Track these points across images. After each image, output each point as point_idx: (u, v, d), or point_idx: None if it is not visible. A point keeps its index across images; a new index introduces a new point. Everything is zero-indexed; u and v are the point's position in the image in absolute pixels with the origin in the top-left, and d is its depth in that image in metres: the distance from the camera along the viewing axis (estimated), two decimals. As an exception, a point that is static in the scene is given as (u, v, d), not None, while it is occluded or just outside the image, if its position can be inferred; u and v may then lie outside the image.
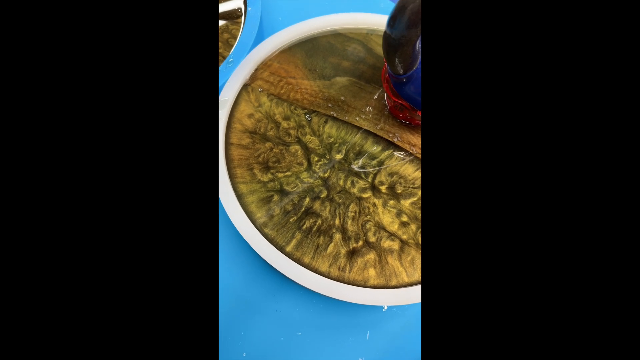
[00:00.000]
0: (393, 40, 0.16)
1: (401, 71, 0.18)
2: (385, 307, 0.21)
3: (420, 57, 0.18)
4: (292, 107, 0.24)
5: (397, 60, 0.17)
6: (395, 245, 0.20)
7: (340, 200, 0.21)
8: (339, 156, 0.22)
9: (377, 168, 0.22)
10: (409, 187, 0.21)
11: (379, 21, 0.27)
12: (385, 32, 0.16)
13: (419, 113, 0.20)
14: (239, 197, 0.21)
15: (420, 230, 0.20)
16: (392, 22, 0.15)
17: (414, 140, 0.23)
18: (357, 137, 0.23)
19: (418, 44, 0.17)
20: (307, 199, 0.21)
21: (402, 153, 0.22)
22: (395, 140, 0.23)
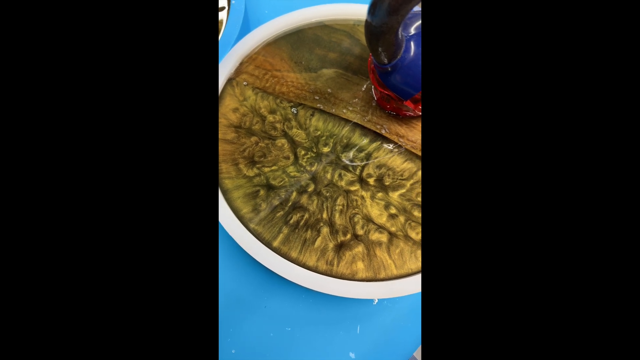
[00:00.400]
0: (374, 28, 0.16)
1: (385, 60, 0.18)
2: (376, 301, 0.21)
3: (404, 45, 0.18)
4: (278, 101, 0.23)
5: (380, 49, 0.17)
6: (384, 237, 0.20)
7: (327, 194, 0.21)
8: (326, 149, 0.22)
9: (365, 162, 0.22)
10: (397, 178, 0.21)
11: (365, 12, 0.26)
12: (366, 20, 0.16)
13: (406, 103, 0.20)
14: (225, 192, 0.20)
15: (409, 222, 0.20)
16: (372, 9, 0.15)
17: (402, 132, 0.23)
18: (344, 130, 0.22)
19: (401, 32, 0.17)
20: (294, 193, 0.21)
21: (390, 145, 0.22)
22: (383, 131, 0.22)
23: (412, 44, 0.18)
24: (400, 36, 0.17)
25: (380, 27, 0.15)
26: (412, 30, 0.18)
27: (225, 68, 0.23)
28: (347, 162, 0.21)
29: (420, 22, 0.19)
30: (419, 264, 0.19)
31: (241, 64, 0.24)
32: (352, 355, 0.20)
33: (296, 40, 0.25)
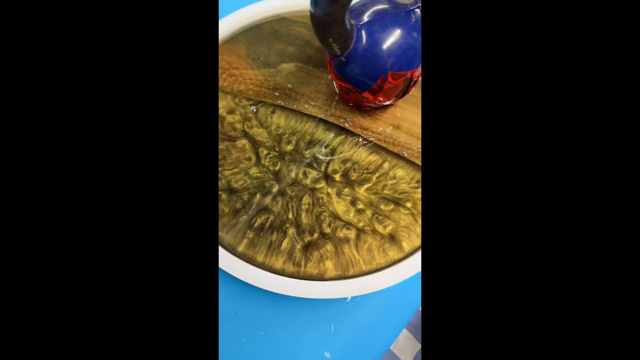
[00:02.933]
0: (318, 19, 0.15)
1: (338, 52, 0.17)
2: (349, 298, 0.21)
3: (355, 35, 0.17)
4: (237, 99, 0.22)
5: (330, 40, 0.16)
6: (352, 234, 0.19)
7: (292, 194, 0.20)
8: (289, 147, 0.21)
9: (330, 157, 0.21)
10: (363, 172, 0.21)
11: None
12: (310, 12, 0.15)
13: (365, 95, 0.20)
14: (184, 200, 0.20)
15: (376, 216, 0.20)
16: (314, 0, 0.14)
17: (366, 124, 0.22)
18: (307, 126, 0.22)
19: (349, 21, 0.16)
20: (258, 195, 0.20)
21: (354, 138, 0.22)
22: (346, 125, 0.22)
23: (363, 32, 0.17)
24: (348, 26, 0.16)
25: (323, 18, 0.15)
26: (365, 18, 0.18)
27: (179, 69, 0.22)
28: (310, 159, 0.21)
29: (373, 8, 0.18)
30: (388, 258, 0.19)
31: (196, 64, 0.23)
32: (327, 354, 0.20)
33: (253, 36, 0.24)
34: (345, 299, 0.21)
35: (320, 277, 0.19)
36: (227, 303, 0.20)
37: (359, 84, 0.19)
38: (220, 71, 0.23)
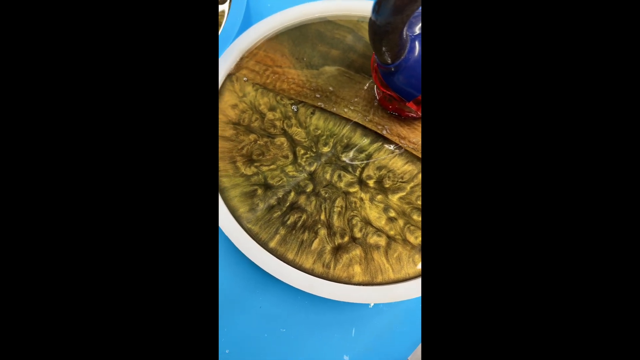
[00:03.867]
0: (378, 27, 0.15)
1: (389, 60, 0.18)
2: (372, 304, 0.21)
3: (408, 45, 0.17)
4: (278, 98, 0.23)
5: (384, 48, 0.17)
6: (382, 241, 0.19)
7: (326, 195, 0.20)
8: (326, 149, 0.22)
9: (365, 161, 0.21)
10: (397, 181, 0.21)
11: (370, 8, 0.26)
12: (370, 19, 0.15)
13: (409, 105, 0.20)
14: (222, 191, 0.20)
15: (408, 225, 0.20)
16: (377, 7, 0.14)
17: (404, 133, 0.22)
18: (345, 129, 0.22)
19: (405, 32, 0.16)
20: (292, 194, 0.20)
21: (391, 146, 0.22)
22: (384, 132, 0.22)
23: (416, 44, 0.18)
24: (404, 36, 0.16)
25: (384, 27, 0.15)
26: (417, 30, 0.18)
27: (225, 63, 0.23)
28: (347, 162, 0.21)
29: None
30: (417, 268, 0.19)
31: (241, 59, 0.24)
32: (346, 358, 0.20)
33: (298, 36, 0.25)
34: (368, 304, 0.21)
35: (348, 281, 0.19)
36: (251, 296, 0.20)
37: (404, 94, 0.19)
38: (264, 68, 0.23)
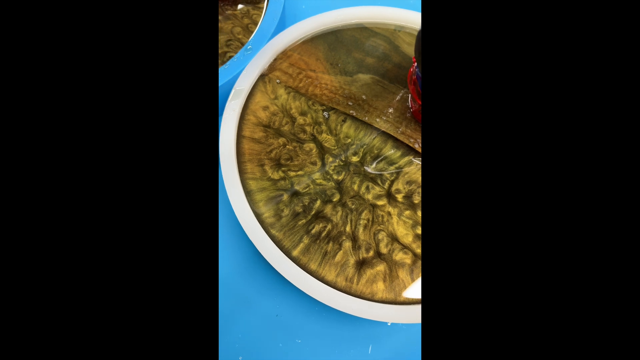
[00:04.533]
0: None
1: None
2: (390, 322, 0.20)
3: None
4: (310, 102, 0.22)
5: (429, 62, 0.16)
6: (408, 259, 0.19)
7: (353, 206, 0.20)
8: (355, 158, 0.21)
9: (394, 174, 0.21)
10: (427, 197, 0.20)
11: (407, 17, 0.25)
12: (420, 30, 0.15)
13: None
14: (248, 194, 0.19)
15: (435, 245, 0.19)
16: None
17: (436, 148, 0.21)
18: (375, 140, 0.22)
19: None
20: (318, 202, 0.20)
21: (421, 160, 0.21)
22: (416, 146, 0.21)
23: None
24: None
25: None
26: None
27: (259, 63, 0.23)
28: (375, 174, 0.21)
29: None
30: (443, 290, 0.18)
31: (275, 60, 0.23)
32: (361, 376, 0.19)
33: (334, 41, 0.24)
34: (386, 322, 0.20)
35: (370, 297, 0.18)
36: (270, 304, 0.20)
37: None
38: (297, 71, 0.23)
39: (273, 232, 0.19)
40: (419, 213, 0.20)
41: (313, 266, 0.18)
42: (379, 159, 0.21)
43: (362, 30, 0.25)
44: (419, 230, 0.19)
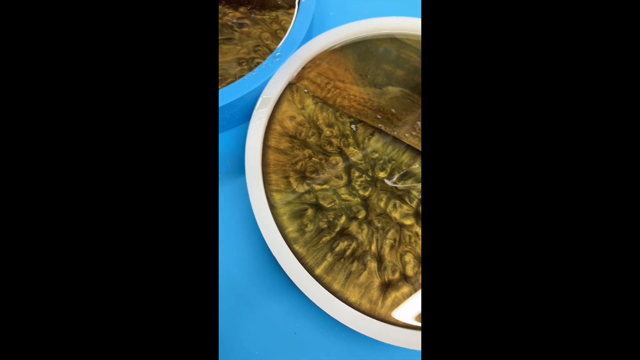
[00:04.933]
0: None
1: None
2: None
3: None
4: (338, 114, 0.22)
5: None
6: (435, 283, 0.18)
7: (379, 224, 0.19)
8: (382, 174, 0.20)
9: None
10: (456, 219, 0.19)
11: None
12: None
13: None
14: (272, 207, 0.19)
15: (464, 270, 0.18)
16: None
17: (467, 168, 0.21)
18: (404, 156, 0.21)
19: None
20: (343, 218, 0.19)
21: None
22: (446, 165, 0.21)
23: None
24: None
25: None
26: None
27: (288, 70, 0.22)
28: (403, 192, 0.20)
29: None
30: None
31: (304, 68, 0.23)
32: (380, 403, 0.18)
33: (364, 51, 0.24)
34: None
35: (395, 322, 0.17)
36: (288, 320, 0.19)
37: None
38: (325, 81, 0.22)
39: (296, 247, 0.18)
40: (448, 235, 0.19)
41: (337, 286, 0.18)
42: (407, 177, 0.20)
43: (393, 41, 0.24)
44: (447, 254, 0.19)
